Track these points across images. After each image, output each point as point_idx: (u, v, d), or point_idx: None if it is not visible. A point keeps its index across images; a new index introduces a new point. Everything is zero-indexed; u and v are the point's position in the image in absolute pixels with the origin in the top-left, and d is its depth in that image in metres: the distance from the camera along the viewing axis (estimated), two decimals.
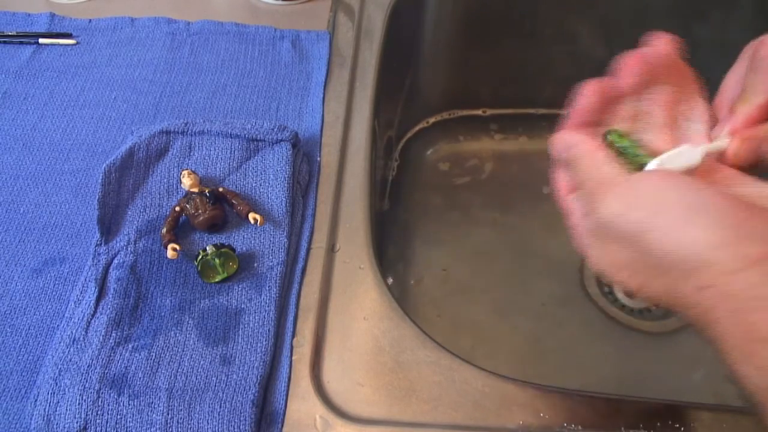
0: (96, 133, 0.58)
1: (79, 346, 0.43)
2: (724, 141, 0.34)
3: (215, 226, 0.49)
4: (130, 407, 0.40)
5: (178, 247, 0.47)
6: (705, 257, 0.27)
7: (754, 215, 0.27)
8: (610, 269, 0.32)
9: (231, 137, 0.54)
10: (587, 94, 0.35)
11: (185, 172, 0.50)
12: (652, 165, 0.33)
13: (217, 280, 0.47)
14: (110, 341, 0.43)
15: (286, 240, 0.49)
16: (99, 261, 0.48)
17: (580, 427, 0.41)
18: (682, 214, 0.28)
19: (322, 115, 0.59)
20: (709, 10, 0.72)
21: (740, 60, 0.35)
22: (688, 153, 0.33)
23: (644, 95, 0.35)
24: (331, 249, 0.50)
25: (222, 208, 0.49)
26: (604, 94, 0.35)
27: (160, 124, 0.54)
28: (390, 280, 0.69)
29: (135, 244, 0.48)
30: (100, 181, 0.50)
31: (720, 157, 0.34)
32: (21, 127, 0.59)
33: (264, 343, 0.44)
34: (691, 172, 0.33)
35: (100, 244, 0.49)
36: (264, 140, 0.53)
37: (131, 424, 0.40)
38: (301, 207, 0.52)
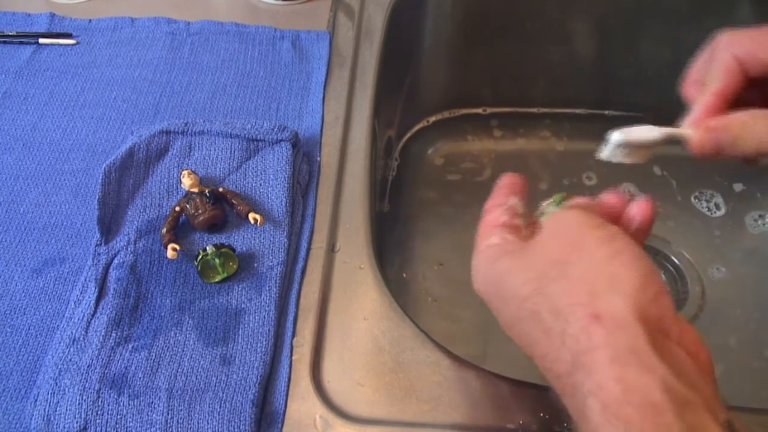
0: (96, 133, 0.58)
1: (79, 346, 0.43)
2: (687, 129, 0.36)
3: (215, 226, 0.49)
4: (130, 407, 0.40)
5: (178, 247, 0.47)
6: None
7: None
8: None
9: (231, 137, 0.54)
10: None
11: (185, 172, 0.50)
12: (616, 135, 0.37)
13: (217, 280, 0.47)
14: (110, 341, 0.43)
15: (286, 240, 0.49)
16: (99, 261, 0.48)
17: None
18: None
19: (322, 115, 0.59)
20: (705, 13, 0.72)
21: (705, 52, 0.38)
22: (650, 130, 0.36)
23: None
24: (331, 249, 0.50)
25: (222, 208, 0.49)
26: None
27: (160, 124, 0.54)
28: (389, 277, 0.69)
29: (135, 244, 0.48)
30: (100, 181, 0.50)
31: (686, 144, 0.36)
32: (21, 127, 0.59)
33: (264, 343, 0.44)
34: (648, 147, 0.36)
35: (100, 244, 0.49)
36: (264, 140, 0.53)
37: (131, 424, 0.40)
38: (301, 207, 0.52)
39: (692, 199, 0.76)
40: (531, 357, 0.31)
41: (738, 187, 0.77)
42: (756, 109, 0.34)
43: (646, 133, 0.36)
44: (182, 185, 0.51)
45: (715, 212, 0.75)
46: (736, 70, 0.35)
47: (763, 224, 0.74)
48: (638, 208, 0.36)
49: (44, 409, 0.40)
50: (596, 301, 0.28)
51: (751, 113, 0.34)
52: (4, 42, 0.66)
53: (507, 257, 0.33)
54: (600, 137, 0.38)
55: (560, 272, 0.30)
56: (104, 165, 0.51)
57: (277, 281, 0.47)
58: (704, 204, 0.75)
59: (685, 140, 0.36)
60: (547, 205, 0.36)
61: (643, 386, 0.26)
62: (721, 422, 0.25)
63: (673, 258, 0.71)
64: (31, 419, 0.41)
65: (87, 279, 0.47)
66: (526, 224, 0.36)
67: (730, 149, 0.34)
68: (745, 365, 0.65)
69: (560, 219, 0.33)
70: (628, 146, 0.37)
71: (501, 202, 0.37)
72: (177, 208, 0.49)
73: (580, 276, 0.30)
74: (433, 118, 0.84)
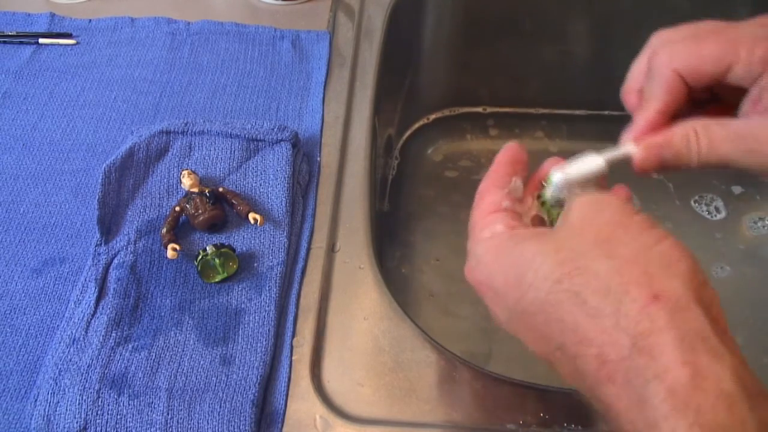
0: (96, 133, 0.58)
1: (79, 346, 0.43)
2: (629, 147, 0.34)
3: (215, 226, 0.49)
4: (130, 407, 0.40)
5: (178, 247, 0.47)
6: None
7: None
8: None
9: (231, 137, 0.54)
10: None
11: (185, 172, 0.50)
12: (556, 176, 0.34)
13: (217, 280, 0.47)
14: (110, 341, 0.43)
15: (286, 240, 0.49)
16: (99, 261, 0.48)
17: (580, 427, 0.41)
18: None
19: (322, 115, 0.59)
20: (706, 13, 0.71)
21: (645, 51, 0.36)
22: (592, 160, 0.34)
23: None
24: (331, 249, 0.50)
25: (222, 208, 0.49)
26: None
27: (160, 124, 0.54)
28: (389, 275, 0.69)
29: (135, 244, 0.48)
30: (100, 181, 0.50)
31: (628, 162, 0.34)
32: (21, 127, 0.59)
33: (264, 343, 0.44)
34: (598, 179, 0.34)
35: (100, 244, 0.49)
36: (264, 140, 0.53)
37: (131, 424, 0.40)
38: (301, 207, 0.52)
39: (692, 203, 0.76)
40: (550, 352, 0.29)
41: (737, 189, 0.77)
42: (696, 120, 0.33)
43: (588, 164, 0.34)
44: (182, 185, 0.51)
45: (715, 215, 0.75)
46: (679, 86, 0.34)
47: (763, 226, 0.74)
48: (616, 194, 0.35)
49: (44, 409, 0.40)
50: (653, 281, 0.26)
51: (692, 125, 0.33)
52: (4, 42, 0.66)
53: (532, 241, 0.30)
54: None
55: (606, 251, 0.28)
56: (104, 165, 0.50)
57: (277, 281, 0.47)
58: (704, 207, 0.76)
59: (625, 157, 0.34)
60: (547, 189, 0.35)
61: (715, 373, 0.24)
62: None
63: None
64: (31, 419, 0.41)
65: (87, 279, 0.47)
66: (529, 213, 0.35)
67: (673, 164, 0.33)
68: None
69: (595, 203, 0.31)
70: (572, 182, 0.34)
71: (501, 184, 0.34)
72: (177, 208, 0.49)
73: (631, 255, 0.27)
74: (433, 116, 0.84)
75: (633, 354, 0.25)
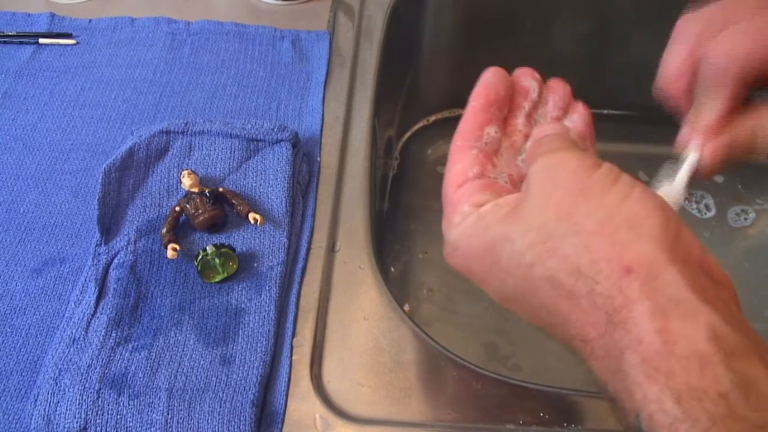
0: (96, 133, 0.58)
1: (79, 346, 0.43)
2: (692, 156, 0.33)
3: (215, 226, 0.49)
4: (130, 407, 0.40)
5: (178, 247, 0.47)
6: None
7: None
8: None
9: (231, 137, 0.54)
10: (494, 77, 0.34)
11: (185, 172, 0.50)
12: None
13: (217, 280, 0.47)
14: (110, 341, 0.43)
15: (286, 240, 0.49)
16: (99, 261, 0.48)
17: (580, 427, 0.41)
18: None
19: (322, 115, 0.59)
20: None
21: (677, 41, 0.34)
22: (672, 190, 0.33)
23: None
24: (331, 249, 0.50)
25: (222, 208, 0.49)
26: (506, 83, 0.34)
27: (160, 124, 0.54)
28: (389, 275, 0.69)
29: (135, 244, 0.48)
30: (100, 181, 0.50)
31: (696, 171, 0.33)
32: (21, 127, 0.59)
33: (264, 343, 0.44)
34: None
35: (100, 244, 0.49)
36: (264, 140, 0.53)
37: (131, 424, 0.40)
38: (301, 207, 0.52)
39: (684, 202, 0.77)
40: (544, 327, 0.29)
41: (719, 179, 0.78)
42: (758, 109, 0.31)
43: (671, 196, 0.32)
44: (182, 185, 0.51)
45: (705, 213, 0.75)
46: (741, 85, 0.31)
47: (746, 219, 0.75)
48: (578, 114, 0.34)
49: (44, 409, 0.40)
50: (622, 251, 0.26)
51: (756, 116, 0.31)
52: (4, 42, 0.66)
53: (499, 224, 0.29)
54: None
55: (570, 227, 0.27)
56: (104, 165, 0.50)
57: (277, 281, 0.47)
58: (694, 206, 0.76)
59: (694, 168, 0.33)
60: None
61: (687, 335, 0.23)
62: None
63: None
64: (31, 419, 0.41)
65: (87, 279, 0.47)
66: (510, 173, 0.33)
67: (743, 159, 0.32)
68: None
69: (550, 167, 0.29)
70: None
71: (473, 140, 0.33)
72: (177, 208, 0.49)
73: (596, 227, 0.26)
74: (433, 118, 0.84)
75: (609, 329, 0.25)
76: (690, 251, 0.26)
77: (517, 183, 0.33)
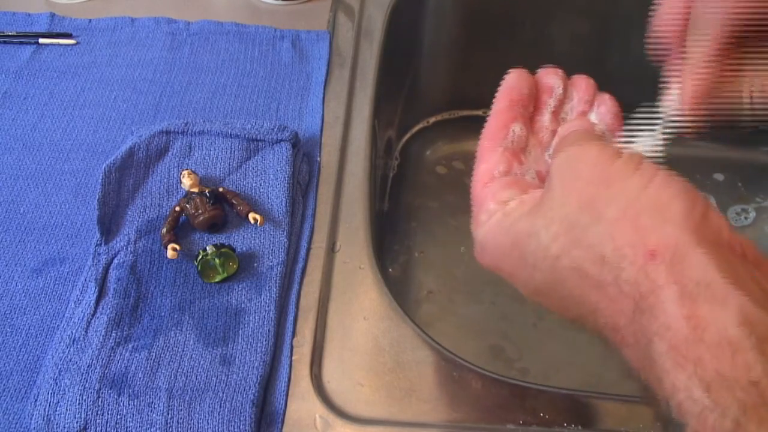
0: (96, 133, 0.58)
1: (79, 346, 0.43)
2: (675, 93, 0.32)
3: (215, 226, 0.49)
4: (130, 407, 0.40)
5: (178, 247, 0.47)
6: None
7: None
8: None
9: (231, 137, 0.54)
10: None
11: (185, 172, 0.50)
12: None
13: (217, 280, 0.47)
14: (110, 341, 0.43)
15: (286, 240, 0.49)
16: (99, 261, 0.48)
17: (580, 427, 0.41)
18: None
19: (322, 115, 0.59)
20: None
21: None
22: (647, 140, 0.33)
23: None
24: (331, 249, 0.50)
25: (222, 208, 0.49)
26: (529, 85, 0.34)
27: (160, 124, 0.54)
28: (389, 275, 0.69)
29: (135, 244, 0.48)
30: (100, 181, 0.50)
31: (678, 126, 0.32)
32: (21, 127, 0.59)
33: (264, 343, 0.44)
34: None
35: (100, 244, 0.49)
36: (264, 140, 0.53)
37: (131, 424, 0.40)
38: (301, 207, 0.52)
39: None
40: (575, 320, 0.28)
41: (719, 177, 0.77)
42: (748, 68, 0.30)
43: (645, 146, 0.32)
44: (182, 185, 0.51)
45: None
46: (730, 29, 0.30)
47: (746, 218, 0.75)
48: (606, 107, 0.34)
49: (44, 409, 0.40)
50: (646, 236, 0.25)
51: (745, 71, 0.30)
52: (4, 42, 0.66)
53: (523, 220, 0.29)
54: None
55: (593, 216, 0.27)
56: (104, 165, 0.50)
57: (277, 281, 0.47)
58: None
59: (675, 110, 0.31)
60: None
61: (716, 320, 0.23)
62: None
63: None
64: (31, 419, 0.41)
65: (87, 279, 0.47)
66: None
67: (725, 115, 0.31)
68: None
69: (571, 159, 0.29)
70: None
71: (499, 139, 0.32)
72: (177, 208, 0.49)
73: (619, 213, 0.26)
74: (433, 119, 0.84)
75: (636, 316, 0.25)
76: (719, 233, 0.25)
77: (545, 178, 0.33)
